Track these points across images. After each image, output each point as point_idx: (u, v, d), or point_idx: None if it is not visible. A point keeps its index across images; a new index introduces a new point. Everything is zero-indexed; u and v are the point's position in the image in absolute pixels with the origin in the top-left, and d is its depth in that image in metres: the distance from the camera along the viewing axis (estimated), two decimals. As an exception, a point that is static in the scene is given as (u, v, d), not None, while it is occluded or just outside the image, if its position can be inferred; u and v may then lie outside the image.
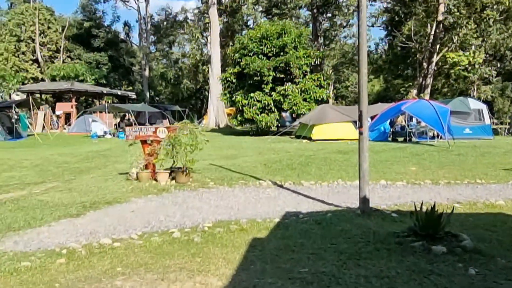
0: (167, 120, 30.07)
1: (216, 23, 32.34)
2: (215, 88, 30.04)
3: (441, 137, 18.08)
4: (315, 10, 35.46)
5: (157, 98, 51.84)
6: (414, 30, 24.94)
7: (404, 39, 25.41)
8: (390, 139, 19.24)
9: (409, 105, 17.81)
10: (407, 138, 18.98)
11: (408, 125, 20.22)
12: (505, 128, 22.58)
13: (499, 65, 27.67)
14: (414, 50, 26.21)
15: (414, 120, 21.67)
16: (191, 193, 8.23)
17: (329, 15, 38.49)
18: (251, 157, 13.53)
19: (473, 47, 22.57)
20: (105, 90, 34.35)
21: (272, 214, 6.56)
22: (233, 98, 23.60)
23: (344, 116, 19.21)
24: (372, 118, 18.96)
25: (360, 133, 6.39)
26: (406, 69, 29.30)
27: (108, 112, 29.60)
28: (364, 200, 6.42)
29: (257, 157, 13.48)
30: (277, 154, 13.92)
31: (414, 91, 25.35)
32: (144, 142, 9.72)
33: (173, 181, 9.11)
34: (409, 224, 5.74)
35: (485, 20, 21.49)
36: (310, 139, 18.92)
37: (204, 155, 14.03)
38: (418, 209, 5.28)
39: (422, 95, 23.57)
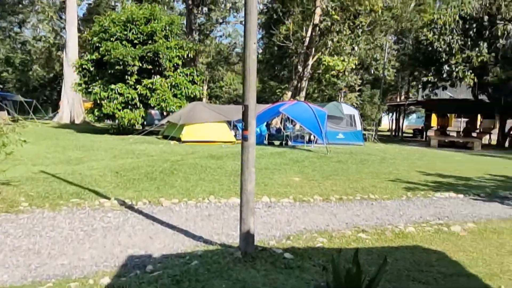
0: (5, 112, 24.66)
1: (72, 1, 27.75)
2: (70, 77, 25.53)
3: (316, 141, 17.44)
4: (190, 2, 33.11)
5: (1, 86, 43.71)
6: (292, 31, 24.32)
7: (282, 39, 24.63)
8: (266, 142, 17.93)
9: (288, 107, 16.67)
10: (284, 142, 17.91)
11: (285, 128, 19.25)
12: (372, 135, 23.27)
13: (370, 73, 28.97)
14: (291, 51, 25.72)
15: (290, 123, 20.90)
16: (-19, 223, 5.24)
17: (205, 9, 36.53)
18: (101, 161, 10.63)
19: (347, 52, 22.75)
20: None
21: (104, 264, 4.09)
22: (90, 90, 19.90)
23: (219, 115, 17.28)
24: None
25: (244, 138, 4.31)
26: (282, 70, 28.82)
27: None
28: (247, 237, 4.36)
29: (110, 161, 10.65)
30: (136, 159, 11.25)
31: (289, 94, 24.77)
32: None
33: (-39, 202, 5.95)
34: (312, 273, 3.91)
35: (358, 28, 21.81)
36: (179, 140, 16.54)
37: (37, 158, 10.71)
38: (330, 252, 3.41)
39: (297, 98, 23.00)
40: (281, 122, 20.89)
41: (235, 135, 17.37)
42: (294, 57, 26.09)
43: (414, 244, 5.10)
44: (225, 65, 41.56)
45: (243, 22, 4.40)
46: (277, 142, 18.15)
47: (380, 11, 21.39)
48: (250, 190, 4.33)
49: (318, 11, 22.15)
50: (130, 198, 6.74)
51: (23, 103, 28.57)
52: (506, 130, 23.72)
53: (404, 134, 29.03)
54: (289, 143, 17.93)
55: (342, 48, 22.59)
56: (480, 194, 8.40)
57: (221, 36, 45.31)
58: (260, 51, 30.48)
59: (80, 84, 20.55)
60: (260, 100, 38.95)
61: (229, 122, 17.79)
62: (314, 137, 17.17)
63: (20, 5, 38.30)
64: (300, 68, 24.63)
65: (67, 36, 28.29)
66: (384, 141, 22.77)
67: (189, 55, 20.94)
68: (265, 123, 18.25)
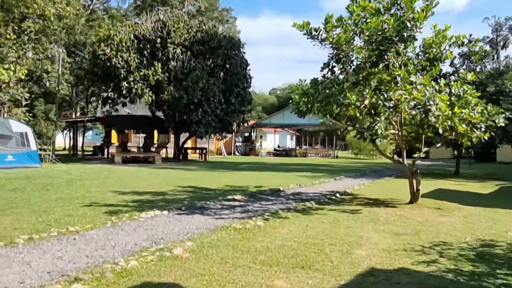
0: None
1: None
2: None
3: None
4: None
5: None
6: None
7: None
8: None
9: None
10: None
11: None
12: (50, 154, 20.71)
13: (41, 86, 25.59)
14: None
15: None
16: None
17: None
18: None
19: (11, 60, 19.21)
20: None
21: None
22: None
23: None
24: None
25: None
26: None
27: None
28: None
29: None
30: None
31: None
32: None
33: None
34: None
35: (25, 33, 18.87)
36: None
37: None
38: None
39: None
40: None
41: None
42: None
43: (143, 281, 4.26)
44: None
45: None
46: None
47: (52, 17, 19.30)
48: None
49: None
50: None
51: None
52: (181, 144, 26.12)
53: (85, 152, 27.53)
54: None
55: (6, 55, 19.07)
56: (181, 208, 8.42)
57: None
58: None
59: None
60: None
61: None
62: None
63: None
64: None
65: None
66: (64, 160, 20.70)
67: None
68: None
